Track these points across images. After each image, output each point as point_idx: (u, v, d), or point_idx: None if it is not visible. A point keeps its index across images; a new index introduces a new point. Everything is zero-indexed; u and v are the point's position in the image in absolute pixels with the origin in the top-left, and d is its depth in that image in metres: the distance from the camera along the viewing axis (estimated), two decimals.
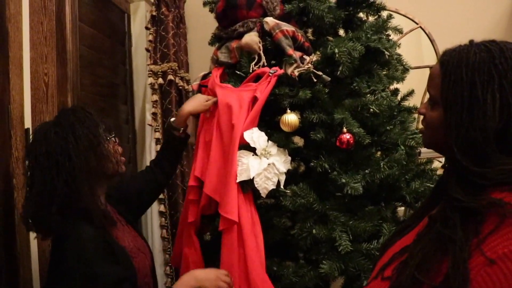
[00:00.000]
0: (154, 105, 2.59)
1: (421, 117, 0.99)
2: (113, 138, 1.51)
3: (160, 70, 2.59)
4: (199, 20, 2.91)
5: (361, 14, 1.97)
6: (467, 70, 0.85)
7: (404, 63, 1.92)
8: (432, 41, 2.86)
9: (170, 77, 2.58)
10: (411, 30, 2.87)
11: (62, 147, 1.37)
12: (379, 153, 1.73)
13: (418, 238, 0.90)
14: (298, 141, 1.85)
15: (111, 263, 1.31)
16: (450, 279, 0.76)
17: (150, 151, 2.61)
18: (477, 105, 0.82)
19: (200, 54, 2.83)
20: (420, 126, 1.13)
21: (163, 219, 2.55)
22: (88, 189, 1.36)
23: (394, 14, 2.89)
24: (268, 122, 1.69)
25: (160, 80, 2.58)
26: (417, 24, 2.88)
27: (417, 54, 2.95)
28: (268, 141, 1.58)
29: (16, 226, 1.70)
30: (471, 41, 0.91)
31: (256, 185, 1.51)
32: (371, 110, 1.63)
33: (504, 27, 2.81)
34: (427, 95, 0.97)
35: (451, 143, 0.85)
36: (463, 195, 0.83)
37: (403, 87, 1.93)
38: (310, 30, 1.99)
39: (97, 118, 1.48)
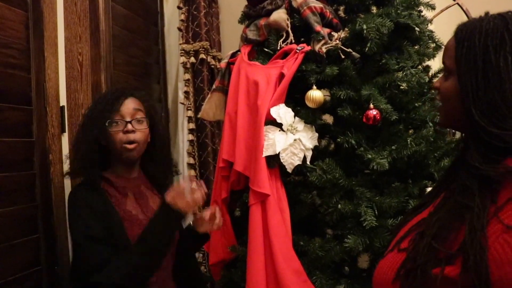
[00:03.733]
0: (186, 84, 2.63)
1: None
2: (117, 125, 1.60)
3: (192, 49, 2.62)
4: (231, 0, 2.92)
5: None
6: (480, 36, 0.87)
7: (436, 40, 1.88)
8: (469, 19, 2.78)
9: (202, 56, 2.61)
10: (447, 7, 2.79)
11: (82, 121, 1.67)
12: (411, 131, 1.71)
13: (435, 210, 0.91)
14: (328, 118, 1.85)
15: (94, 220, 1.49)
16: (467, 245, 0.77)
17: (183, 129, 2.66)
18: (491, 69, 0.85)
19: (233, 33, 2.83)
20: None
21: None
22: (86, 156, 1.56)
23: None
24: (296, 99, 1.70)
25: (192, 59, 2.61)
26: (454, 0, 2.80)
27: None
28: (295, 117, 1.59)
29: (53, 199, 1.78)
30: (486, 13, 0.93)
31: (282, 160, 1.53)
32: (401, 87, 1.62)
33: None
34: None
35: (468, 107, 0.87)
36: (481, 163, 0.84)
37: (438, 65, 1.89)
38: (341, 8, 1.97)
39: (115, 104, 1.61)
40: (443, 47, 1.88)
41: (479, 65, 0.86)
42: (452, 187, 0.91)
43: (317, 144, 1.63)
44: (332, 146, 1.92)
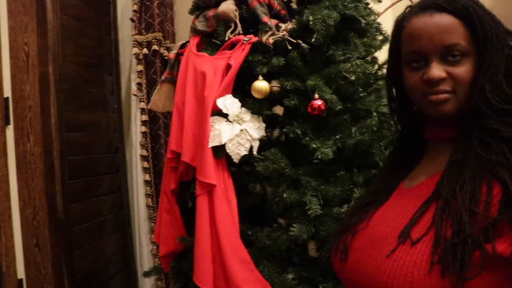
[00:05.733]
0: (139, 75, 2.60)
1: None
2: None
3: (144, 40, 2.58)
4: None
5: None
6: (484, 12, 0.86)
7: (383, 32, 1.92)
8: None
9: (155, 47, 2.58)
10: (398, 1, 2.84)
11: None
12: (363, 121, 1.73)
13: (448, 179, 0.84)
14: (279, 110, 1.87)
15: None
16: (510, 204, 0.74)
17: (136, 120, 2.63)
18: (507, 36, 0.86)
19: (188, 24, 2.79)
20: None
21: (148, 188, 2.58)
22: None
23: None
24: (244, 89, 1.70)
25: (145, 50, 2.58)
26: None
27: None
28: (241, 107, 1.60)
29: None
30: None
31: (228, 151, 1.54)
32: (347, 77, 1.64)
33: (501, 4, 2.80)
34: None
35: (482, 86, 0.84)
36: (499, 125, 0.82)
37: (385, 57, 1.92)
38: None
39: None
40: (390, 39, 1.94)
41: (500, 35, 0.85)
42: (458, 155, 0.86)
43: (264, 134, 1.63)
44: (284, 137, 1.95)
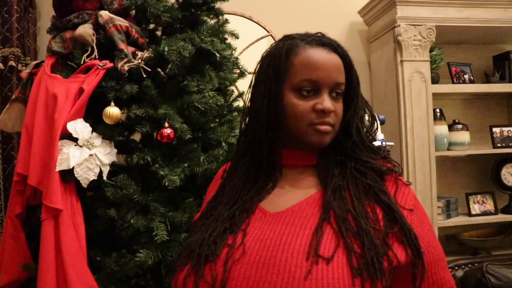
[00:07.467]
0: None
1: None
2: None
3: (0, 55, 2.47)
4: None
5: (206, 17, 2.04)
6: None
7: (240, 67, 2.04)
8: None
9: (12, 63, 2.47)
10: (262, 37, 3.02)
11: None
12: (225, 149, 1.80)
13: (337, 202, 0.92)
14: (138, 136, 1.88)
15: None
16: (403, 224, 0.89)
17: None
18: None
19: None
20: None
21: None
22: None
23: (248, 21, 3.06)
24: (96, 114, 1.71)
25: (0, 65, 2.46)
26: (268, 32, 3.03)
27: None
28: (92, 132, 1.60)
29: None
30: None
31: (76, 175, 1.53)
32: (200, 108, 1.71)
33: (352, 42, 3.13)
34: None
35: (357, 126, 1.01)
36: (371, 159, 0.99)
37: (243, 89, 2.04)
38: (160, 28, 2.03)
39: None
40: (247, 73, 2.06)
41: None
42: (338, 180, 0.97)
43: (115, 159, 1.64)
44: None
